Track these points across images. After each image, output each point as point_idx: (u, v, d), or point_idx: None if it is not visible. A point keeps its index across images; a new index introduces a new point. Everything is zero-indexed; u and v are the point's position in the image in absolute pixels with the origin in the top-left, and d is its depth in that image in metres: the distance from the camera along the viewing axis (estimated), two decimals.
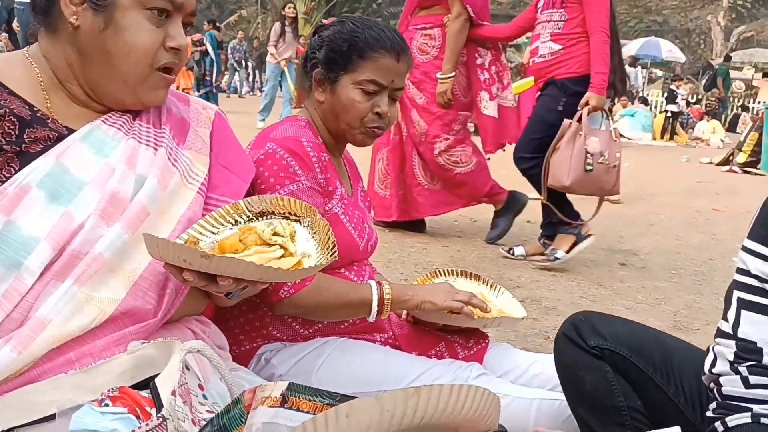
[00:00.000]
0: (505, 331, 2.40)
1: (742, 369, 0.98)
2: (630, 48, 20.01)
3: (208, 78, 12.81)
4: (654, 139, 13.57)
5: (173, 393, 0.80)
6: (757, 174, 8.72)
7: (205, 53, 12.75)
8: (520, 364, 1.66)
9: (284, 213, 1.20)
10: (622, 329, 1.31)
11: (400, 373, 1.50)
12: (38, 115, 1.08)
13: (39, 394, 0.94)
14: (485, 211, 4.93)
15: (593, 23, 3.17)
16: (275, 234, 1.10)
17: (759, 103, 16.09)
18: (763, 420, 0.94)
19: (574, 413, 1.36)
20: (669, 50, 20.35)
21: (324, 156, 1.52)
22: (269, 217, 1.20)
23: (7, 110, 1.04)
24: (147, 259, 1.04)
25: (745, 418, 0.96)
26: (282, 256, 1.07)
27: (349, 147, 1.67)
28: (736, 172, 8.89)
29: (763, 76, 19.46)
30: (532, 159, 3.36)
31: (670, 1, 30.72)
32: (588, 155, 3.12)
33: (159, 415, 0.78)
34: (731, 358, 1.00)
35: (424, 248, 3.69)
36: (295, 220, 1.19)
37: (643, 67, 18.86)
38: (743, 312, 1.00)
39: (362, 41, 1.50)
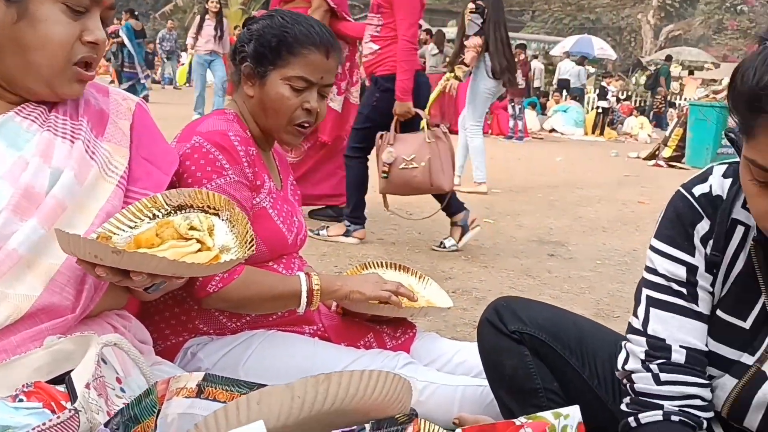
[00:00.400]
0: (435, 321, 2.46)
1: (653, 366, 1.03)
2: (564, 45, 20.52)
3: (128, 70, 12.50)
4: (586, 134, 13.99)
5: (87, 386, 0.80)
6: (681, 168, 9.10)
7: (122, 45, 12.42)
8: (446, 353, 1.71)
9: (203, 206, 1.19)
10: (542, 314, 1.36)
11: (328, 363, 1.52)
12: None
13: None
14: (421, 205, 5.00)
15: (399, 31, 3.40)
16: (192, 228, 1.10)
17: (684, 99, 16.76)
18: (673, 417, 0.99)
19: (495, 396, 1.41)
20: (601, 47, 20.93)
21: (252, 150, 1.52)
22: (188, 210, 1.19)
23: None
24: (64, 255, 1.03)
25: (657, 416, 1.01)
26: (199, 250, 1.07)
27: None
28: (662, 166, 9.26)
29: (689, 74, 20.29)
30: (354, 149, 3.68)
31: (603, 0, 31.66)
32: (383, 164, 3.36)
33: (71, 407, 0.78)
34: (642, 356, 1.05)
35: (360, 242, 3.72)
36: (214, 214, 1.19)
37: (578, 64, 19.37)
38: (652, 310, 1.05)
39: (291, 37, 1.50)
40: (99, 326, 1.12)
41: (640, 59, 25.46)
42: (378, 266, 1.91)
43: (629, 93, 18.36)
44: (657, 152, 9.82)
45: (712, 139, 9.16)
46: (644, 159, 9.89)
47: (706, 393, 1.02)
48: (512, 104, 11.89)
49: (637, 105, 17.08)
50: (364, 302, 1.58)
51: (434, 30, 13.11)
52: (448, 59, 11.39)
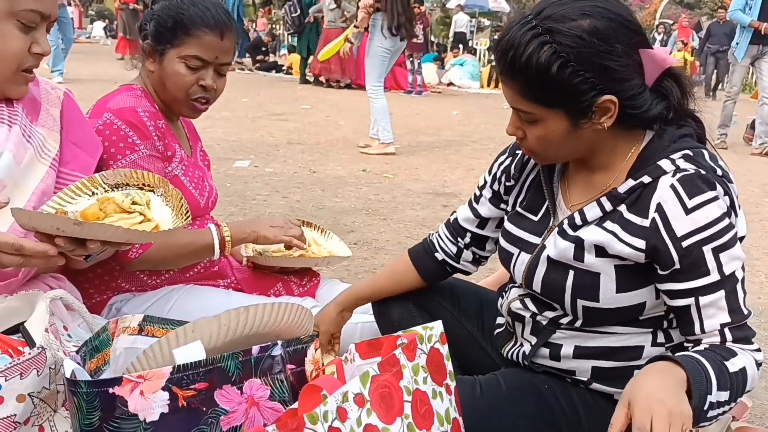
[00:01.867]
0: (339, 269, 2.70)
1: (444, 223, 1.58)
2: None
3: None
4: (482, 87, 14.48)
5: (46, 330, 0.97)
6: None
7: None
8: None
9: (138, 184, 1.35)
10: None
11: None
12: None
13: None
14: (325, 162, 5.20)
15: None
16: (134, 203, 1.27)
17: None
18: (431, 238, 1.60)
19: None
20: (495, 0, 21.45)
21: (161, 123, 1.67)
22: (124, 188, 1.35)
23: None
24: (6, 224, 1.17)
25: (433, 236, 1.60)
26: (141, 221, 1.24)
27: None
28: None
29: None
30: None
31: None
32: None
33: (38, 345, 0.95)
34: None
35: (265, 200, 3.89)
36: (149, 191, 1.35)
37: (472, 17, 19.75)
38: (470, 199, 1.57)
39: (187, 18, 1.63)
40: (36, 287, 1.27)
41: None
42: None
43: None
44: None
45: None
46: None
47: (451, 246, 1.54)
48: (410, 59, 12.12)
49: None
50: (271, 257, 1.78)
51: None
52: (346, 14, 11.45)
